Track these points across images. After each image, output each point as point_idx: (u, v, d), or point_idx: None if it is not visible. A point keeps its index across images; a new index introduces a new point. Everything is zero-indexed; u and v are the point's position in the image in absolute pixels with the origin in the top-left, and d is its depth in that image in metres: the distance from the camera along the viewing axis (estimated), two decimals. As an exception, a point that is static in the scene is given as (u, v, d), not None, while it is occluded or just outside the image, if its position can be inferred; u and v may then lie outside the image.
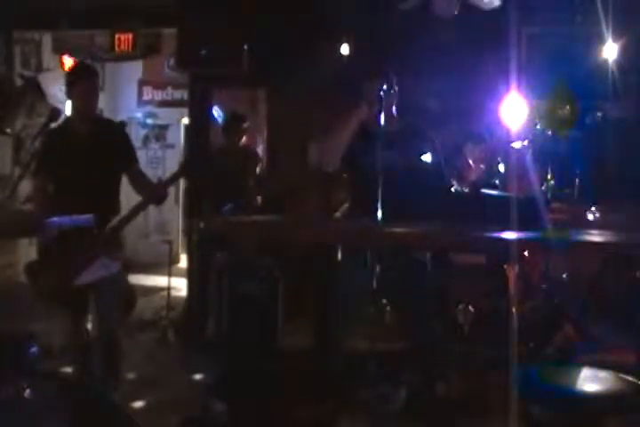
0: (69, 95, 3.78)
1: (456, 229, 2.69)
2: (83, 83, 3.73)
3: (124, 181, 3.88)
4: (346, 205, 4.49)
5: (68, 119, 3.94)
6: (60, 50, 7.93)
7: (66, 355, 3.88)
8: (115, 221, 3.65)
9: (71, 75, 3.86)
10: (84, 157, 3.70)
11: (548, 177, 4.92)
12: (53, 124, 3.64)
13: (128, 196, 3.88)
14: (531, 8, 5.08)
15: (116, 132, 3.95)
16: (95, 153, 3.71)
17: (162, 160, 9.69)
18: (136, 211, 3.63)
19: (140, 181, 3.84)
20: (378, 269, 3.45)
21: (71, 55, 7.94)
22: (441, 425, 3.55)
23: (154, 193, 3.69)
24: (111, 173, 3.79)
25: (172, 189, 5.33)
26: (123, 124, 4.30)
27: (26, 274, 3.65)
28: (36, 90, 7.68)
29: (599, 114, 5.49)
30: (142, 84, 9.71)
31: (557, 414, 2.75)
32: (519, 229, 2.43)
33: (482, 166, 5.21)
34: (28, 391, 2.94)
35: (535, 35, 5.61)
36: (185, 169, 4.21)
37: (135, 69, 9.42)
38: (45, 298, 3.76)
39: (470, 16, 5.27)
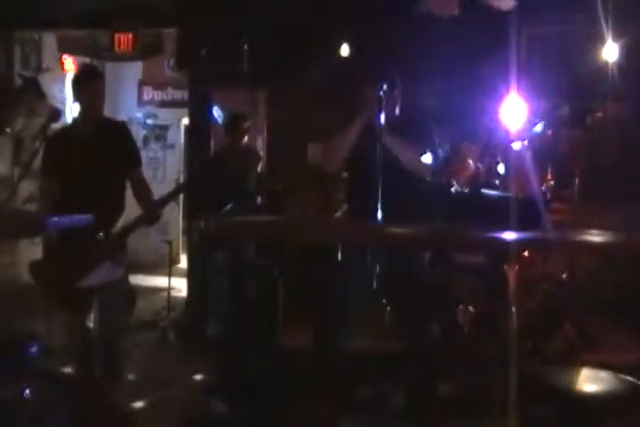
0: (75, 97, 3.79)
1: (456, 229, 2.70)
2: (89, 85, 3.73)
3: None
4: (346, 205, 4.49)
5: (73, 120, 3.94)
6: (60, 50, 7.93)
7: (66, 355, 3.87)
8: (118, 228, 3.67)
9: (77, 77, 3.87)
10: (90, 159, 3.70)
11: (548, 177, 4.92)
12: (55, 125, 3.64)
13: (130, 195, 3.89)
14: (531, 8, 5.07)
15: (122, 135, 3.94)
16: (100, 154, 3.71)
17: (162, 161, 9.68)
18: (134, 225, 3.67)
19: (140, 189, 3.84)
20: (378, 269, 3.45)
21: (71, 55, 7.95)
22: (441, 425, 3.55)
23: (149, 213, 3.70)
24: (115, 174, 3.80)
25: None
26: (126, 126, 4.30)
27: (30, 274, 3.66)
28: (36, 90, 7.67)
29: (599, 114, 5.49)
30: (142, 84, 9.70)
31: (557, 413, 2.76)
32: (519, 230, 2.43)
33: (479, 165, 5.21)
34: (27, 391, 2.94)
35: (535, 35, 5.61)
36: (182, 188, 4.20)
37: (135, 69, 9.41)
38: (48, 298, 3.76)
39: (470, 17, 5.27)
